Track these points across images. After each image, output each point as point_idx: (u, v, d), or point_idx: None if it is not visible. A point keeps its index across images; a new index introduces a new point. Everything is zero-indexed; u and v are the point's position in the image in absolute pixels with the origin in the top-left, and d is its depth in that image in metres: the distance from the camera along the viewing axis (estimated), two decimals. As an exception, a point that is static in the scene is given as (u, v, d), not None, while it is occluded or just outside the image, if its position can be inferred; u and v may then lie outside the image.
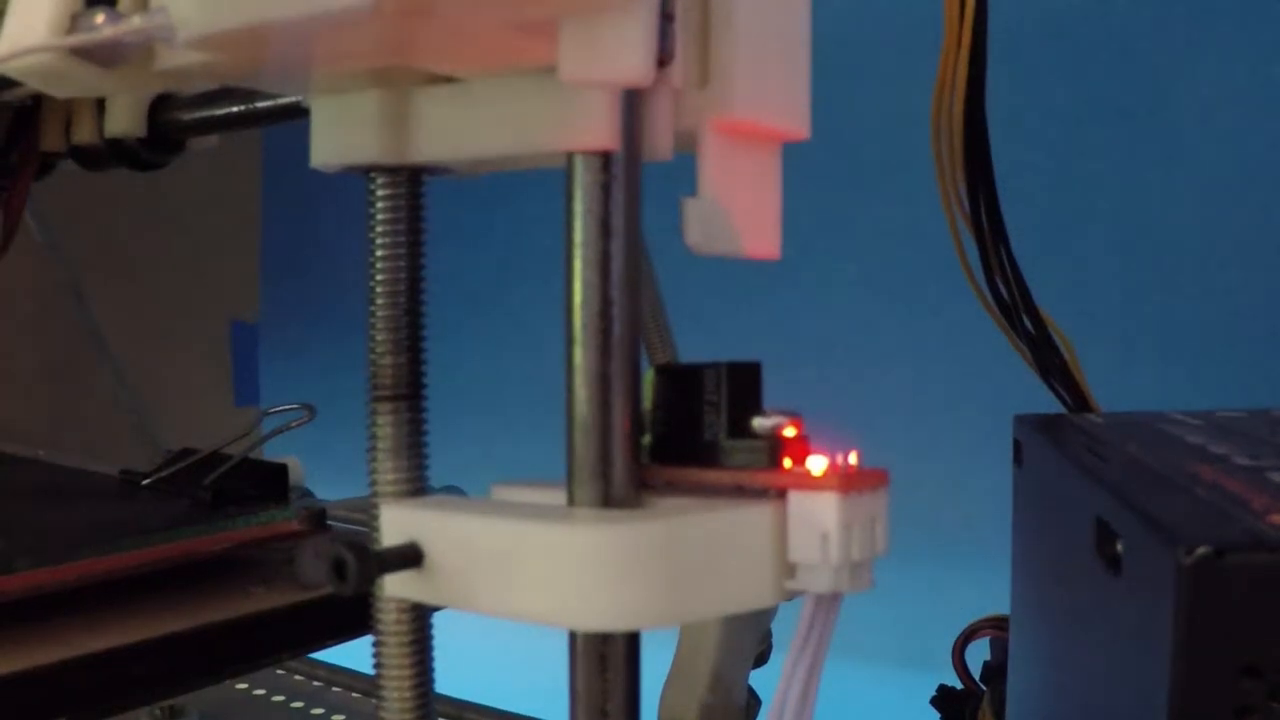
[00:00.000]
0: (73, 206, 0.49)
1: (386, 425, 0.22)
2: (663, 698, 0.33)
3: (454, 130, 0.21)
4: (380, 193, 0.21)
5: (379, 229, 0.22)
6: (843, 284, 0.57)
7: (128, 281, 0.63)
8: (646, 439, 0.20)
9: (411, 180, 0.22)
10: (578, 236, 0.19)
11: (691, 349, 0.31)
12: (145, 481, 0.38)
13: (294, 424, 0.36)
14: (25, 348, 0.64)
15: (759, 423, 0.20)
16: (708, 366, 0.20)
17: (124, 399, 0.51)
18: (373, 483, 0.22)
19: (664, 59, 0.18)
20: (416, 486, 0.22)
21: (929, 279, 0.44)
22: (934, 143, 0.33)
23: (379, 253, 0.22)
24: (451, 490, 0.27)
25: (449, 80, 0.21)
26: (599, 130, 0.19)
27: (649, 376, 0.20)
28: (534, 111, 0.19)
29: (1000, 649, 0.37)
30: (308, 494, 0.36)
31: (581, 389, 0.19)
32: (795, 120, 0.20)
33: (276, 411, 0.37)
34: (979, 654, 0.38)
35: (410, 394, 0.22)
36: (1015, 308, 0.34)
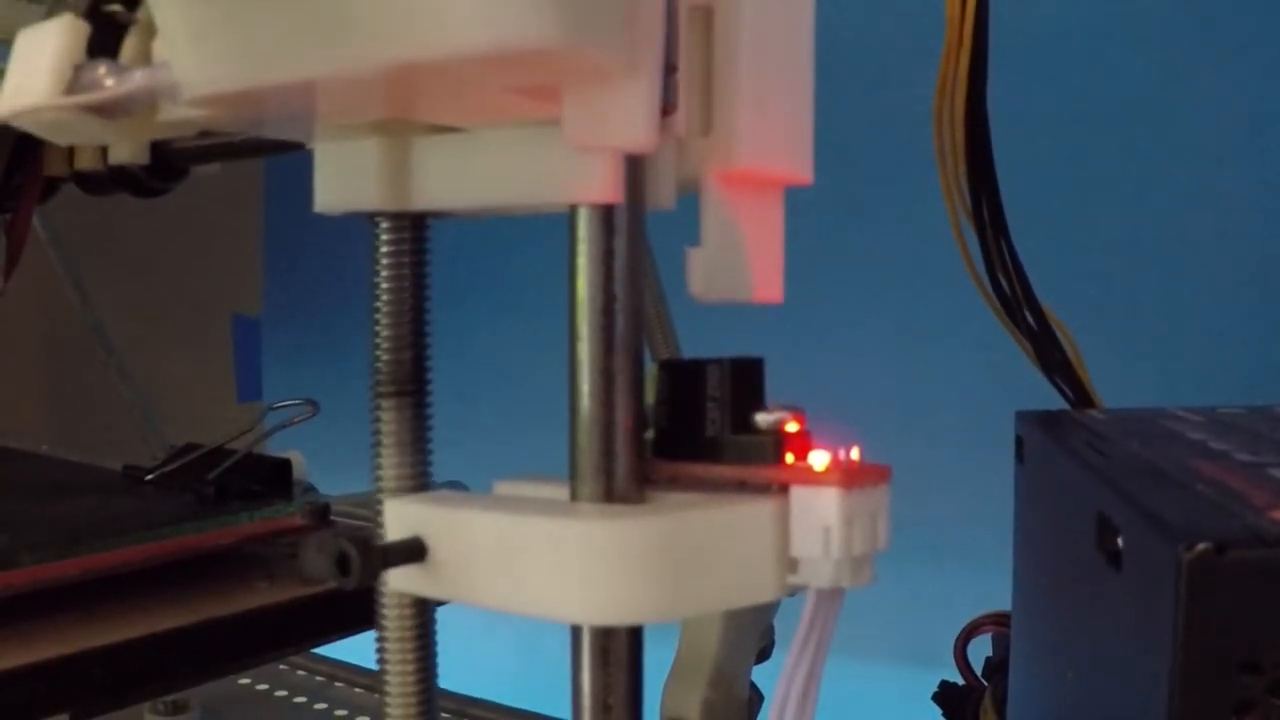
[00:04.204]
0: (75, 202, 0.49)
1: (390, 420, 0.22)
2: (665, 693, 0.33)
3: (456, 179, 0.21)
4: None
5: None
6: (845, 279, 0.57)
7: (130, 277, 0.64)
8: (649, 434, 0.20)
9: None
10: (581, 232, 0.19)
11: (694, 345, 0.31)
12: (148, 477, 0.38)
13: (297, 419, 0.36)
14: (28, 343, 0.64)
15: (762, 418, 0.20)
16: (711, 362, 0.20)
17: (127, 394, 0.51)
18: (376, 478, 0.22)
19: (667, 109, 0.18)
20: (420, 482, 0.22)
21: (931, 273, 0.44)
22: (936, 138, 0.33)
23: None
24: (454, 486, 0.27)
25: (452, 128, 0.21)
26: (602, 185, 0.19)
27: (652, 372, 0.21)
28: (537, 164, 0.19)
29: (1002, 645, 0.37)
30: (311, 489, 0.36)
31: (585, 384, 0.19)
32: (798, 165, 0.20)
33: (280, 406, 0.37)
34: (981, 650, 0.38)
35: (414, 389, 0.22)
36: (1017, 303, 0.34)
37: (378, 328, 0.22)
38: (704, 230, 0.19)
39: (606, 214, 0.19)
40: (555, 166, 0.19)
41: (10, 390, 0.63)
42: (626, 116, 0.17)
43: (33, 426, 0.63)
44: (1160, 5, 0.52)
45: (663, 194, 0.19)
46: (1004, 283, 0.34)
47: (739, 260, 0.20)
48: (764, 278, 0.20)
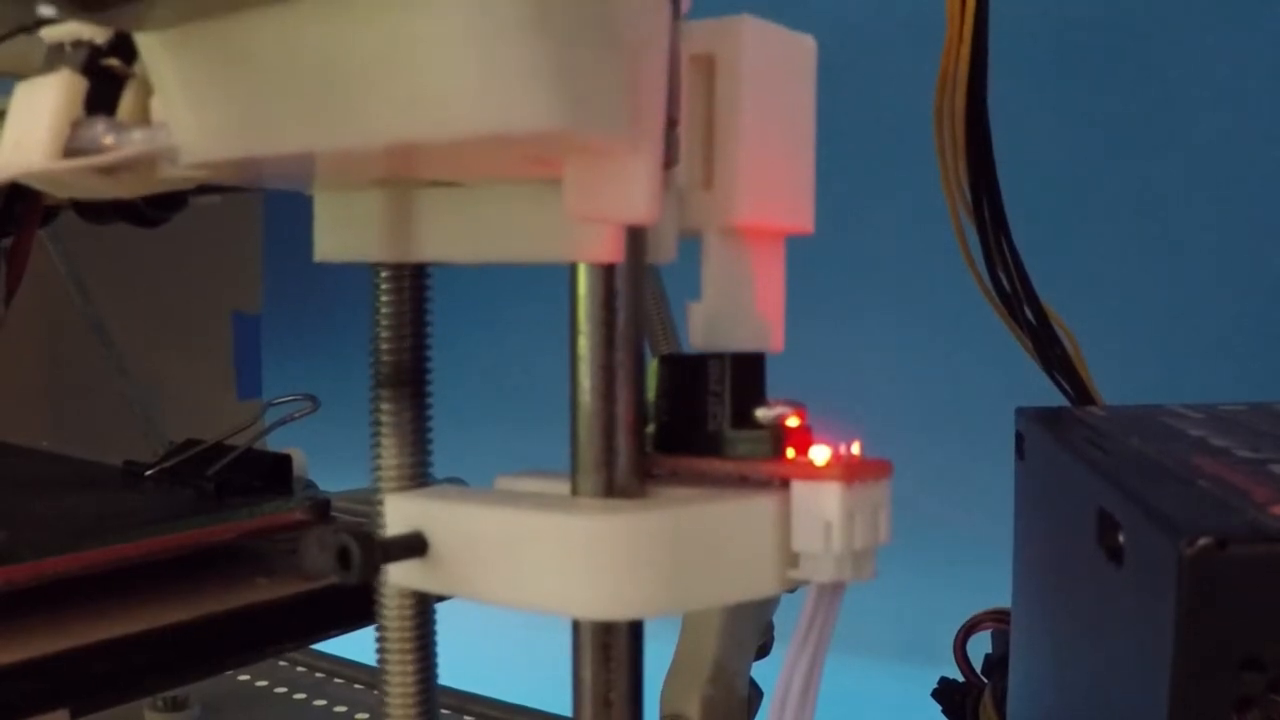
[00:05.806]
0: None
1: (390, 415, 0.22)
2: (664, 689, 0.33)
3: (457, 233, 0.21)
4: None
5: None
6: (845, 276, 0.57)
7: (130, 273, 0.63)
8: (650, 429, 0.20)
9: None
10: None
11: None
12: (148, 473, 0.38)
13: (297, 415, 0.36)
14: (28, 339, 0.64)
15: (762, 413, 0.20)
16: (711, 357, 0.20)
17: (127, 390, 0.51)
18: (376, 473, 0.22)
19: (668, 162, 0.18)
20: (420, 477, 0.22)
21: (931, 270, 0.44)
22: (936, 135, 0.33)
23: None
24: (454, 481, 0.27)
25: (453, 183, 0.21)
26: (604, 244, 0.19)
27: (653, 366, 0.21)
28: (538, 221, 0.19)
29: (1002, 641, 0.37)
30: (311, 485, 0.36)
31: (586, 379, 0.19)
32: (799, 217, 0.20)
33: (279, 402, 0.37)
34: (981, 646, 0.38)
35: (413, 384, 0.22)
36: (1017, 299, 0.34)
37: (379, 338, 0.22)
38: (705, 284, 0.19)
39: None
40: (556, 225, 0.19)
41: (10, 386, 0.63)
42: (628, 190, 0.17)
43: (33, 422, 0.63)
44: (1162, 3, 0.52)
45: (664, 248, 0.19)
46: (1004, 279, 0.34)
47: (740, 312, 0.20)
48: (764, 328, 0.20)
